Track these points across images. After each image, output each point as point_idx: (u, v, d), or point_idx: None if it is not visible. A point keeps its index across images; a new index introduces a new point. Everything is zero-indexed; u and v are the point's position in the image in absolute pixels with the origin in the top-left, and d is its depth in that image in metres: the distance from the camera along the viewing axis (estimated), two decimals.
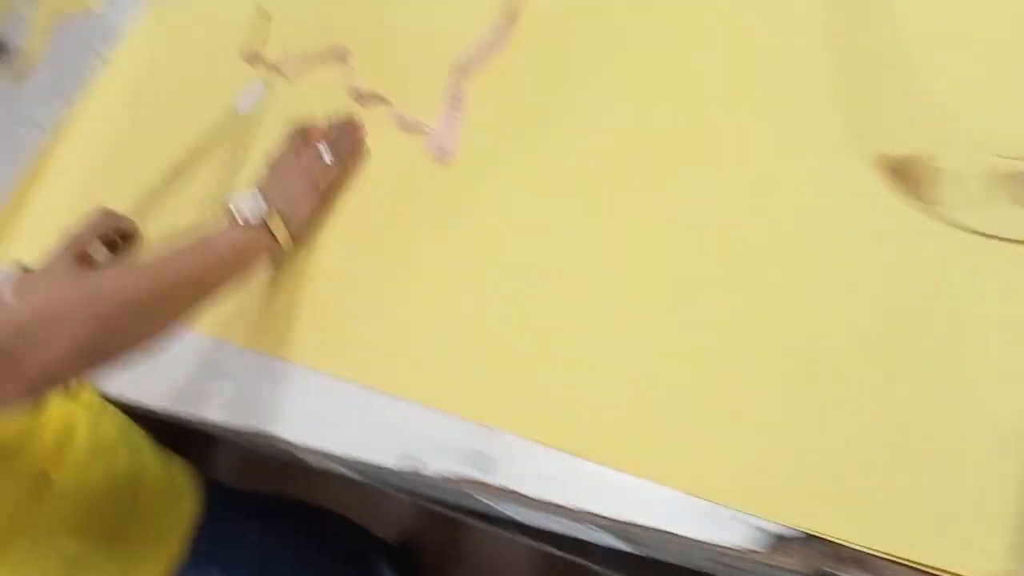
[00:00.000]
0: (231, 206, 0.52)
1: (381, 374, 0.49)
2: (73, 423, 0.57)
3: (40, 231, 0.89)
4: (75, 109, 1.04)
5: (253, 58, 0.77)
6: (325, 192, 0.57)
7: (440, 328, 0.48)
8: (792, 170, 0.40)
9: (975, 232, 0.34)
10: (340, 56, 0.67)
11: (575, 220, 0.47)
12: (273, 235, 0.52)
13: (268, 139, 0.62)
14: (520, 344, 0.44)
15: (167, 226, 0.73)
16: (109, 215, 0.68)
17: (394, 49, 0.64)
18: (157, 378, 0.63)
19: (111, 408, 0.64)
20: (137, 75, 0.98)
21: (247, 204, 0.51)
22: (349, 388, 0.50)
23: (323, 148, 0.56)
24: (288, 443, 0.53)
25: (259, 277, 0.58)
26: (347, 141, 0.58)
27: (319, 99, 0.65)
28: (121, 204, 0.74)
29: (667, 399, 0.38)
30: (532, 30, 0.56)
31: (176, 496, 0.63)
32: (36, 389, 0.39)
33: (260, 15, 0.79)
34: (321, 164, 0.56)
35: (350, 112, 0.61)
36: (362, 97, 0.62)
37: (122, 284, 0.43)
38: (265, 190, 0.53)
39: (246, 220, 0.51)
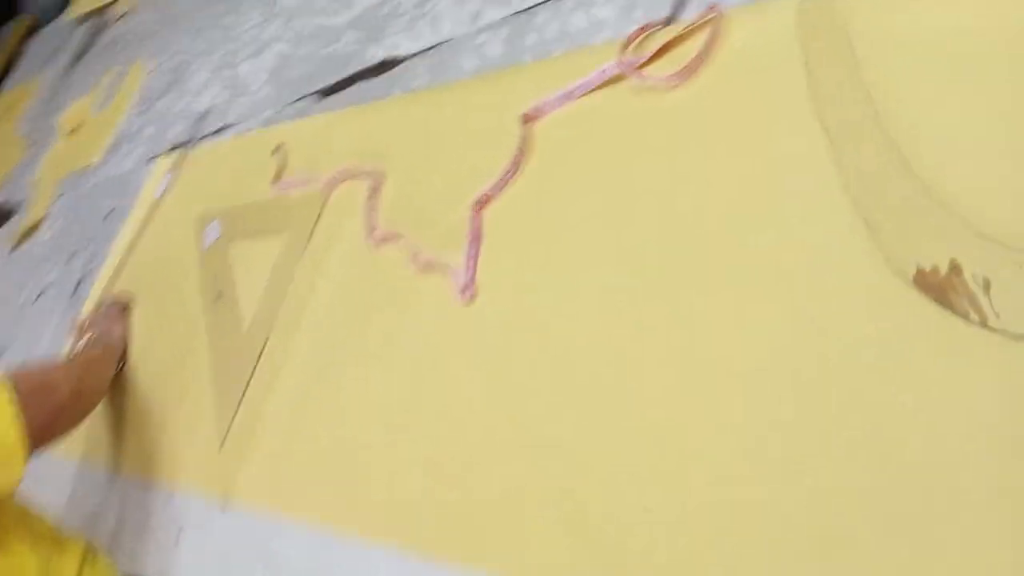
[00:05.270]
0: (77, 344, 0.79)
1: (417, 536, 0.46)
2: None
3: None
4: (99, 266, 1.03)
5: (278, 178, 0.79)
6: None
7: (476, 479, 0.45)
8: (827, 290, 0.38)
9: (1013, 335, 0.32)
10: (374, 177, 0.67)
11: (595, 353, 0.45)
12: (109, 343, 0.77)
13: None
14: (552, 487, 0.41)
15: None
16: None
17: (417, 185, 0.63)
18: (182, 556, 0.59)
19: None
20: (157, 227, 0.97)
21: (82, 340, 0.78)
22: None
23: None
24: None
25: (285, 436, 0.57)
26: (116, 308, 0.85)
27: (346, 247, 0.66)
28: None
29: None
30: (542, 161, 0.56)
31: None
32: (38, 437, 0.53)
33: (279, 151, 0.81)
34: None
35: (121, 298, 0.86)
36: (381, 238, 0.62)
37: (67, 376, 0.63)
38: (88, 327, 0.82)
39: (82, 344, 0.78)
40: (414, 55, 0.76)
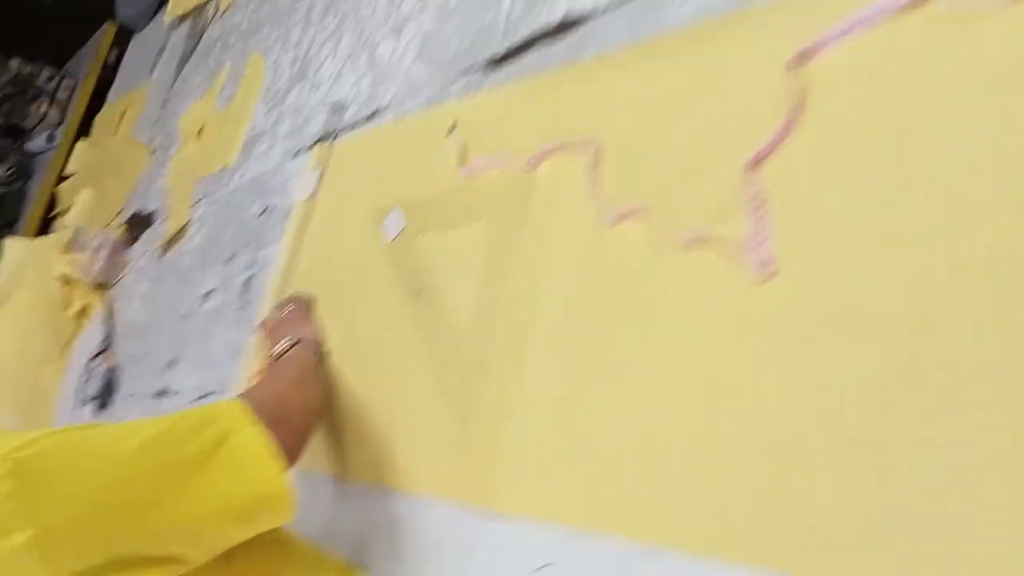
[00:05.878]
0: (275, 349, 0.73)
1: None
2: None
3: None
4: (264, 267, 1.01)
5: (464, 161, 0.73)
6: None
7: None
8: None
9: None
10: (590, 149, 0.61)
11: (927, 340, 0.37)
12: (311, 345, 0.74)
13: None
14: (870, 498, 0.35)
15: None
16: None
17: (650, 152, 0.57)
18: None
19: None
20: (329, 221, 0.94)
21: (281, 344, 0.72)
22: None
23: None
24: None
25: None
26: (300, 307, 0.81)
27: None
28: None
29: None
30: (825, 112, 0.49)
31: None
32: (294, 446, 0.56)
33: (455, 132, 0.75)
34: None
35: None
36: (619, 215, 0.56)
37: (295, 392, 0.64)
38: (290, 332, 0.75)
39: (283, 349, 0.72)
40: (603, 10, 0.69)
